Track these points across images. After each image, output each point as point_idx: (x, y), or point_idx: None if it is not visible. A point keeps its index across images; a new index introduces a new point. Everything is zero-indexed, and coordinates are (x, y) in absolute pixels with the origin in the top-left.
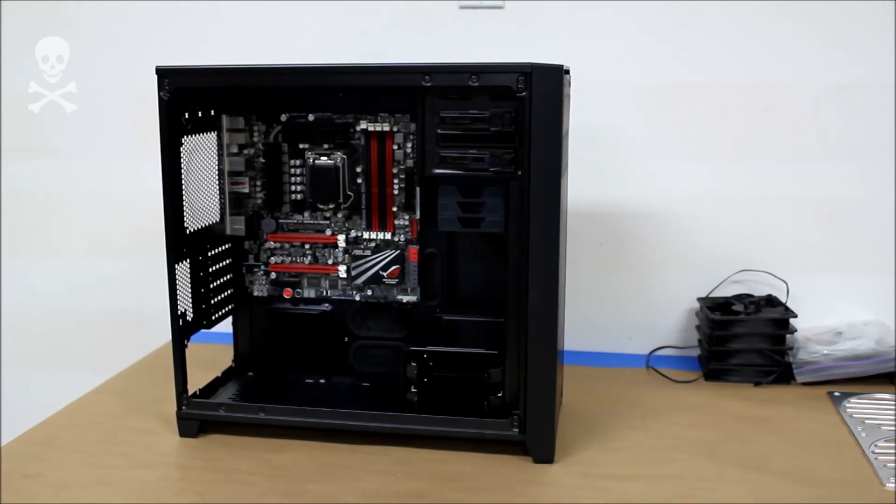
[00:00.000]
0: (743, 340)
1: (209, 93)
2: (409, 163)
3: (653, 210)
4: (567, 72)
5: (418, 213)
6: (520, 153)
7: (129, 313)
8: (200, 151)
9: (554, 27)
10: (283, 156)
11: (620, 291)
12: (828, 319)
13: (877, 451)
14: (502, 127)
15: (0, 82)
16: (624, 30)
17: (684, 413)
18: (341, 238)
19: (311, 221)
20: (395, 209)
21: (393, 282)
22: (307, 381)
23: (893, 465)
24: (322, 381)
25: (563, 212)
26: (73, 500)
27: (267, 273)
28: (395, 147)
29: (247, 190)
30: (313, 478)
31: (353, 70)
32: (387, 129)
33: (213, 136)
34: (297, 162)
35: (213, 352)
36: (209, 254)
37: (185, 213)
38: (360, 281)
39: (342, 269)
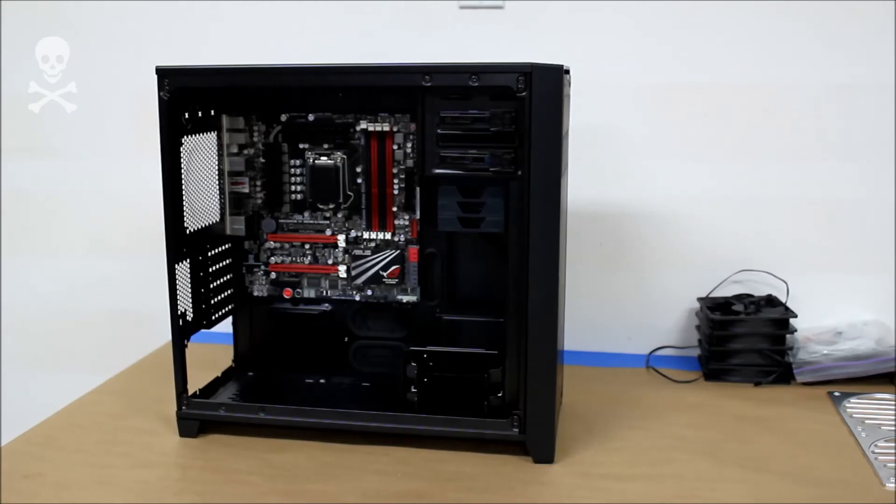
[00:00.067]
0: (743, 340)
1: (209, 93)
2: (409, 163)
3: (653, 210)
4: (567, 72)
5: (418, 213)
6: (520, 153)
7: (129, 313)
8: (200, 151)
9: (554, 27)
10: (283, 156)
11: (620, 291)
12: (828, 319)
13: (877, 451)
14: (502, 127)
15: (0, 82)
16: (624, 30)
17: (684, 413)
18: (341, 238)
19: (311, 221)
20: (395, 209)
21: (393, 282)
22: (307, 381)
23: (893, 465)
24: (322, 381)
25: (563, 212)
26: (73, 500)
27: (267, 273)
28: (395, 147)
29: (247, 190)
30: (313, 478)
31: (353, 70)
32: (387, 129)
33: (213, 136)
34: (297, 162)
35: (213, 352)
36: (209, 254)
37: (185, 213)
38: (360, 281)
39: (342, 269)
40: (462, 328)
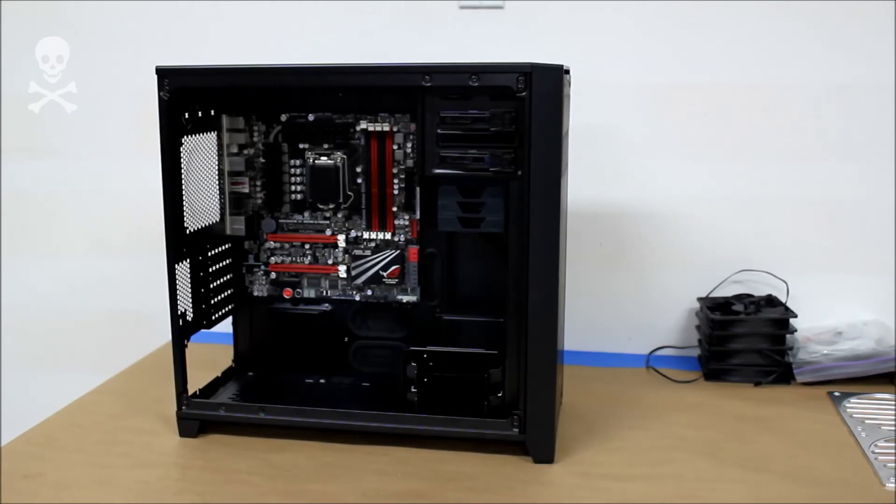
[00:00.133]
0: (743, 340)
1: (209, 93)
2: (409, 163)
3: (653, 210)
4: (567, 72)
5: (418, 213)
6: (520, 153)
7: (129, 313)
8: (200, 151)
9: (554, 27)
10: (283, 156)
11: (620, 291)
12: (828, 319)
13: (877, 451)
14: (502, 127)
15: (0, 82)
16: (624, 30)
17: (684, 413)
18: (341, 238)
19: (311, 221)
20: (395, 209)
21: (393, 282)
22: (307, 381)
23: (893, 465)
24: (322, 381)
25: (563, 212)
26: (73, 500)
27: (267, 273)
28: (395, 147)
29: (247, 190)
30: (313, 478)
31: (353, 70)
32: (387, 129)
33: (213, 136)
34: (297, 162)
35: (213, 352)
36: (209, 254)
37: (185, 213)
38: (360, 281)
39: (342, 269)
40: (462, 328)
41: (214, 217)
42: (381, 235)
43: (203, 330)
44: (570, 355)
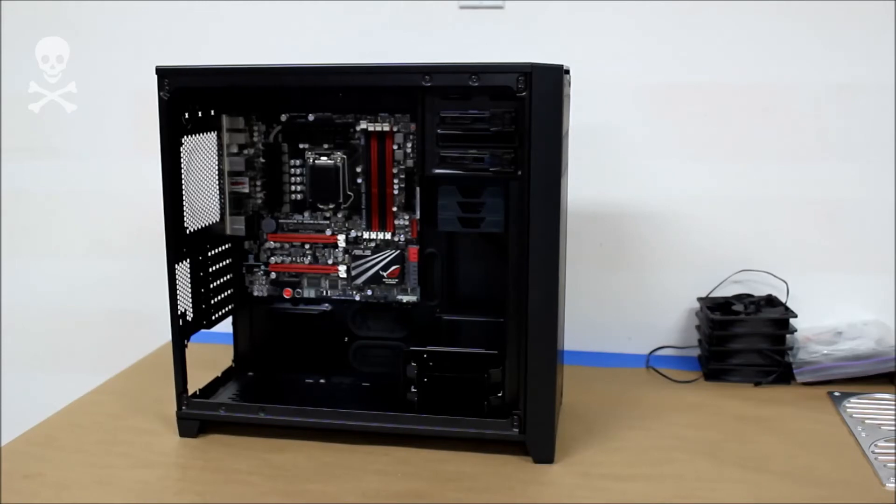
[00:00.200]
0: (743, 340)
1: (209, 93)
2: (409, 163)
3: (653, 210)
4: (567, 72)
5: (418, 213)
6: (520, 153)
7: (129, 313)
8: (200, 151)
9: (554, 27)
10: (283, 156)
11: (620, 291)
12: (828, 319)
13: (877, 451)
14: (502, 127)
15: (0, 82)
16: (624, 30)
17: (684, 413)
18: (341, 238)
19: (311, 221)
20: (395, 209)
21: (393, 282)
22: (307, 381)
23: (893, 465)
24: (322, 381)
25: (563, 212)
26: (73, 500)
27: (267, 273)
28: (395, 147)
29: (247, 190)
30: (313, 478)
31: (353, 70)
32: (387, 129)
33: (213, 136)
34: (297, 162)
35: (213, 352)
36: (209, 254)
37: (185, 213)
38: (360, 281)
39: (342, 269)
40: (462, 328)
41: (214, 217)
42: (381, 235)
43: (203, 330)
44: (570, 355)
